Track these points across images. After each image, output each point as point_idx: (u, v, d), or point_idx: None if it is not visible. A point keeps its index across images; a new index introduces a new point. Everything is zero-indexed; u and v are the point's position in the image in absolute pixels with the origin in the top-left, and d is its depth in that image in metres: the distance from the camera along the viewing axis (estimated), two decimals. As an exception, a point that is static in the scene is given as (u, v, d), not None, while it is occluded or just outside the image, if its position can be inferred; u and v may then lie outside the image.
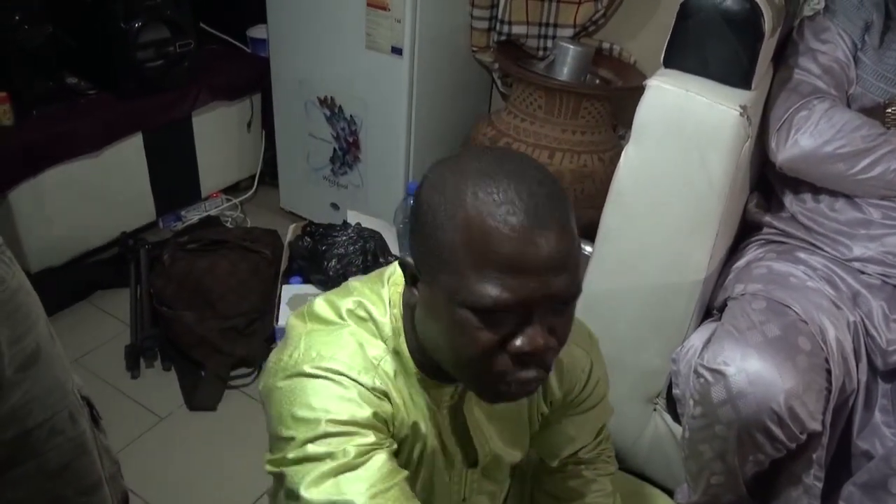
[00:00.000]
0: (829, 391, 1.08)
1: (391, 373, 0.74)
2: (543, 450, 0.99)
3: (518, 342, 0.64)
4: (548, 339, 0.65)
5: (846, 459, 1.17)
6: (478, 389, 0.71)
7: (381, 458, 0.68)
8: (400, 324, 0.75)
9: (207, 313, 1.80)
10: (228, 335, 1.79)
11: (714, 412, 1.07)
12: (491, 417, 0.85)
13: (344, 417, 0.68)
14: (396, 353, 0.75)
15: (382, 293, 0.77)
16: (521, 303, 0.62)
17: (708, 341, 1.17)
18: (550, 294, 0.63)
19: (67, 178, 1.90)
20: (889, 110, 1.20)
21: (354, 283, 0.80)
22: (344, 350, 0.72)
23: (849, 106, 1.25)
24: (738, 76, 1.12)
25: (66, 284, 1.94)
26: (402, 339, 0.75)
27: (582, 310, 1.25)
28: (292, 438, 0.68)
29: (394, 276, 0.78)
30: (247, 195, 2.45)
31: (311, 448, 0.67)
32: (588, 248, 1.61)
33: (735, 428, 1.06)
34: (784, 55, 1.31)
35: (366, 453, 0.68)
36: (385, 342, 0.75)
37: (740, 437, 1.06)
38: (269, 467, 0.72)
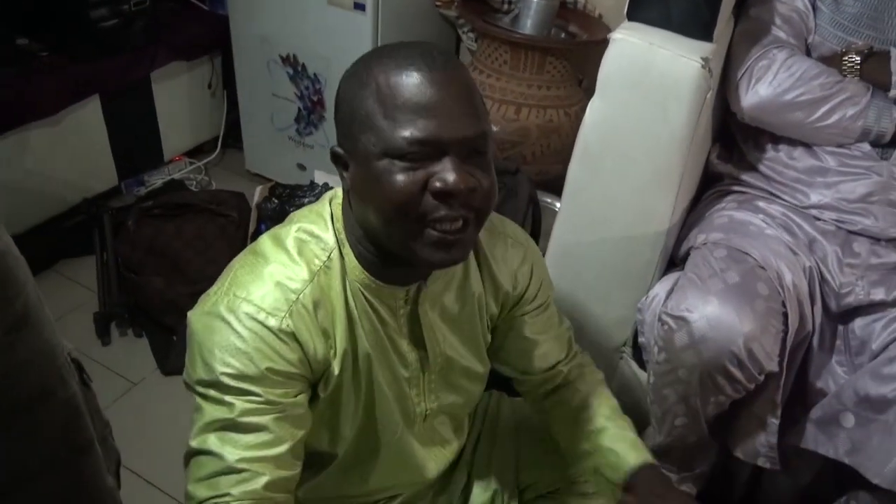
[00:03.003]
0: (786, 333, 1.12)
1: (310, 305, 0.78)
2: (516, 363, 1.02)
3: (438, 180, 0.71)
4: (466, 178, 0.71)
5: (802, 397, 1.22)
6: (415, 246, 0.74)
7: (263, 425, 0.75)
8: (343, 235, 0.81)
9: (176, 278, 1.79)
10: (198, 299, 1.78)
11: (677, 357, 1.11)
12: (444, 319, 0.90)
13: (234, 372, 0.74)
14: (341, 267, 0.80)
15: (324, 212, 0.82)
16: (433, 141, 0.70)
17: (671, 290, 1.20)
18: (460, 135, 0.71)
19: (23, 144, 1.85)
20: (845, 58, 1.22)
21: (299, 211, 0.86)
22: (259, 290, 0.76)
23: (808, 55, 1.27)
24: (699, 28, 1.12)
25: (28, 253, 1.89)
26: (348, 247, 0.80)
27: (550, 263, 1.28)
28: (196, 374, 0.76)
29: (335, 198, 0.84)
30: (211, 157, 2.41)
31: (209, 391, 0.75)
32: (557, 204, 1.63)
33: (697, 371, 1.10)
34: (745, 5, 1.32)
35: (251, 413, 0.74)
36: (328, 258, 0.79)
37: (702, 379, 1.10)
38: (184, 382, 0.80)
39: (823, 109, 1.19)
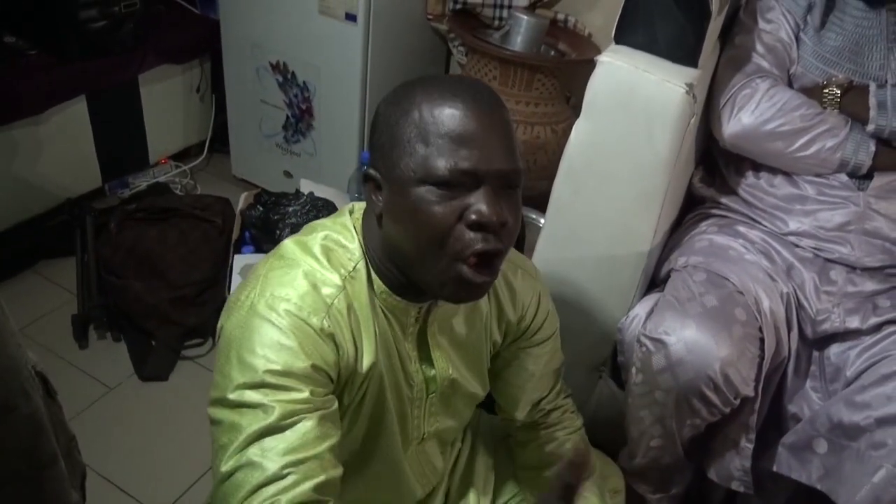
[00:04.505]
0: (762, 359, 1.14)
1: (344, 311, 0.78)
2: (505, 396, 1.04)
3: (473, 212, 0.72)
4: (499, 211, 0.73)
5: (776, 422, 1.24)
6: (440, 279, 0.75)
7: (306, 425, 0.71)
8: (366, 247, 0.82)
9: (157, 283, 1.78)
10: (179, 305, 1.77)
11: (654, 379, 1.12)
12: (452, 341, 0.90)
13: (279, 368, 0.72)
14: (366, 277, 0.80)
15: (347, 223, 0.83)
16: (472, 172, 0.72)
17: (651, 311, 1.21)
18: (497, 168, 0.73)
19: (8, 142, 1.83)
20: (826, 90, 1.24)
21: (318, 221, 0.86)
22: (296, 290, 0.76)
23: (790, 85, 1.29)
24: (685, 54, 1.14)
25: (8, 252, 1.89)
26: (370, 260, 0.81)
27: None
28: (233, 380, 0.72)
29: (354, 212, 0.85)
30: (197, 162, 2.40)
31: (248, 394, 0.71)
32: (541, 220, 1.64)
33: (673, 394, 1.11)
34: (731, 33, 1.34)
35: (293, 414, 0.71)
36: (354, 268, 0.80)
37: (678, 402, 1.11)
38: (211, 410, 0.74)
39: (803, 140, 1.21)
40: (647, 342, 1.13)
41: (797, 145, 1.21)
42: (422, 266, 0.76)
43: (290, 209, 1.75)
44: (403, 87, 0.77)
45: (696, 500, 1.38)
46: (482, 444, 1.15)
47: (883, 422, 1.06)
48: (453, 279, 0.74)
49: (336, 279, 0.78)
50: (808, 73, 1.27)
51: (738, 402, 1.12)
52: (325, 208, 1.77)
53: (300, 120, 2.10)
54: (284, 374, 0.72)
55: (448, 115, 0.72)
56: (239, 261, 1.75)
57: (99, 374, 1.68)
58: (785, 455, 1.17)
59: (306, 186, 1.88)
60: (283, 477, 0.69)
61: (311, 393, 0.73)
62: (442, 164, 0.71)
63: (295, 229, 1.71)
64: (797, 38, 1.29)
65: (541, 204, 1.43)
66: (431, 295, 0.83)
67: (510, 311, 0.95)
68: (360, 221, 0.83)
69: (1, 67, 1.83)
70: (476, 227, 0.72)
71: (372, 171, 0.78)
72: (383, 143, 0.76)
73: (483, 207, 0.72)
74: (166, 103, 2.25)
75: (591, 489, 1.04)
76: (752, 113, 1.22)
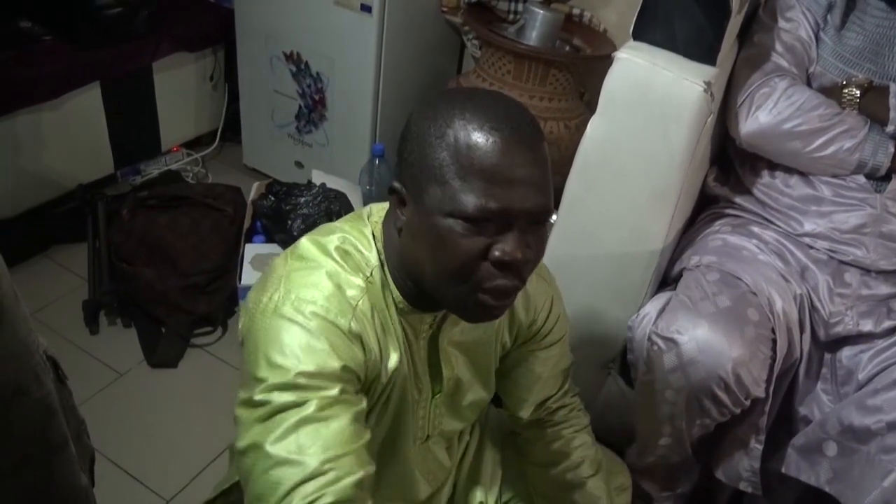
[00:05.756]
0: (774, 360, 1.13)
1: (368, 312, 0.77)
2: (511, 396, 1.03)
3: (498, 250, 0.70)
4: (525, 250, 0.71)
5: (786, 424, 1.23)
6: (458, 303, 0.74)
7: (342, 422, 0.70)
8: (384, 256, 0.80)
9: (168, 270, 1.79)
10: (189, 293, 1.78)
11: (665, 378, 1.12)
12: (461, 344, 0.90)
13: (312, 369, 0.70)
14: (382, 284, 0.79)
15: (365, 231, 0.81)
16: (502, 212, 0.69)
17: (663, 310, 1.21)
18: (528, 208, 0.70)
19: (21, 127, 1.84)
20: (845, 90, 1.23)
21: (334, 223, 0.84)
22: (322, 292, 0.74)
23: (809, 84, 1.28)
24: (703, 52, 1.13)
25: (20, 237, 1.89)
26: (387, 269, 0.80)
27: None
28: (264, 380, 0.71)
29: (372, 216, 0.83)
30: (209, 150, 2.40)
31: (277, 395, 0.69)
32: (553, 216, 1.63)
33: (684, 393, 1.10)
34: (750, 31, 1.33)
35: (328, 407, 0.70)
36: (370, 274, 0.78)
37: (689, 402, 1.11)
38: (238, 410, 0.73)
39: (821, 140, 1.20)
40: (659, 341, 1.13)
41: (815, 145, 1.20)
42: (437, 288, 0.75)
43: (302, 200, 1.75)
44: (440, 102, 0.73)
45: (703, 500, 1.38)
46: (490, 439, 1.15)
47: (894, 426, 1.06)
48: (471, 304, 0.74)
49: (359, 281, 0.77)
50: (828, 72, 1.26)
51: (748, 402, 1.12)
52: (337, 199, 1.77)
53: (313, 110, 2.10)
54: (316, 375, 0.70)
55: (484, 150, 0.68)
56: (250, 250, 1.75)
57: (109, 359, 1.69)
58: (794, 457, 1.17)
59: (318, 177, 1.88)
60: (323, 473, 0.67)
61: (342, 391, 0.71)
62: (472, 202, 0.68)
63: (306, 220, 1.72)
64: (817, 38, 1.27)
65: (553, 200, 1.42)
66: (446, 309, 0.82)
67: (522, 315, 0.95)
68: (378, 226, 0.81)
69: (15, 53, 1.83)
70: (499, 265, 0.71)
71: (398, 186, 0.75)
72: (413, 162, 0.73)
73: (508, 247, 0.70)
74: (179, 91, 2.25)
75: (598, 486, 1.04)
76: (769, 112, 1.21)
